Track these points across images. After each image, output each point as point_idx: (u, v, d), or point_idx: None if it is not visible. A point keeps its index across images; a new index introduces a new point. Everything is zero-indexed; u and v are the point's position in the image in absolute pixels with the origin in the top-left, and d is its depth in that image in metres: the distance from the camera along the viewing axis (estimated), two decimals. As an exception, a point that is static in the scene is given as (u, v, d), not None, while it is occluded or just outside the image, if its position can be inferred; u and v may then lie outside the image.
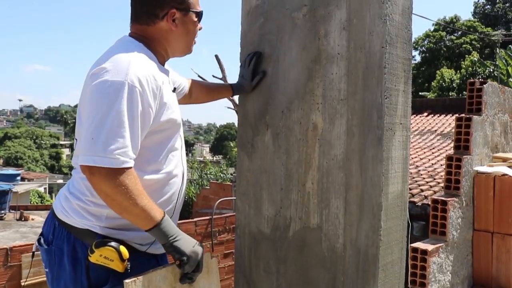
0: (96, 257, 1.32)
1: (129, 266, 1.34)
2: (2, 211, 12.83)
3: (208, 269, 1.53)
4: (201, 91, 1.95)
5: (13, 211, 13.39)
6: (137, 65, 1.33)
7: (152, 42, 1.50)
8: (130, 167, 1.28)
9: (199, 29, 1.58)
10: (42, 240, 1.49)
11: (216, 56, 8.19)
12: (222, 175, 14.33)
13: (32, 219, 12.80)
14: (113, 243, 1.34)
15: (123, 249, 1.34)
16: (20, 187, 18.04)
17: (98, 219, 1.39)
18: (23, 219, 12.62)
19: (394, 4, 1.56)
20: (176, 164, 1.52)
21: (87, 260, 1.35)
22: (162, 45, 1.52)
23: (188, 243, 1.37)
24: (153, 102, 1.35)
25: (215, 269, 1.58)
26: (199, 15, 1.55)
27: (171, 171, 1.50)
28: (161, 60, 1.53)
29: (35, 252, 1.54)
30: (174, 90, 1.59)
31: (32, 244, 3.75)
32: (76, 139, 1.46)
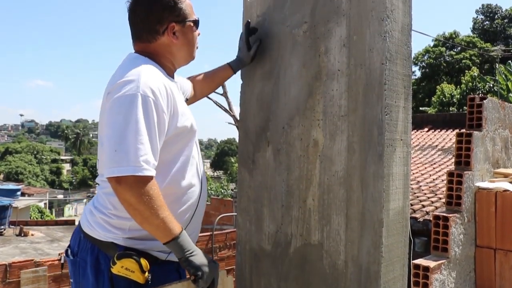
0: (118, 268, 1.36)
1: (149, 277, 1.38)
2: (2, 227, 12.78)
3: (224, 286, 1.52)
4: (203, 85, 1.97)
5: (12, 226, 13.33)
6: (147, 76, 1.39)
7: (157, 57, 1.54)
8: (153, 176, 1.32)
9: (198, 35, 1.63)
10: (69, 252, 1.55)
11: (217, 72, 8.22)
12: (223, 190, 14.29)
13: (32, 235, 12.73)
14: (134, 255, 1.38)
15: (143, 261, 1.37)
16: (20, 202, 17.98)
17: (121, 231, 1.44)
18: (22, 235, 12.55)
19: (393, 21, 1.58)
20: (193, 174, 1.55)
21: (110, 272, 1.38)
22: (167, 58, 1.57)
23: (203, 259, 1.40)
24: (167, 109, 1.40)
25: (230, 287, 1.56)
26: (196, 23, 1.59)
27: (189, 181, 1.53)
28: (169, 72, 1.57)
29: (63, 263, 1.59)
30: (186, 100, 1.65)
31: (32, 260, 3.73)
32: (98, 160, 1.52)
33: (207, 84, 1.98)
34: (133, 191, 1.28)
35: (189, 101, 1.87)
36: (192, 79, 1.94)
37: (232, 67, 1.93)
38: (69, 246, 1.57)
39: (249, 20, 1.90)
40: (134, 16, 1.53)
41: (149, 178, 1.31)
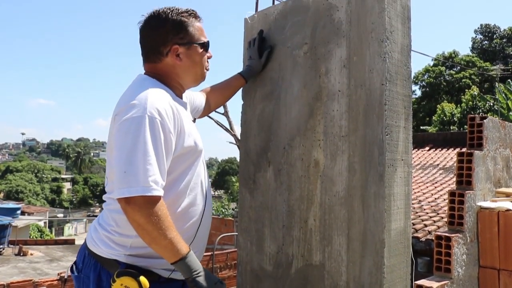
0: (117, 286, 1.36)
1: None
2: (1, 246, 12.69)
3: None
4: (217, 96, 2.00)
5: (12, 245, 13.24)
6: (154, 97, 1.42)
7: (165, 78, 1.57)
8: (161, 196, 1.35)
9: (209, 57, 1.65)
10: (74, 268, 1.57)
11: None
12: (223, 210, 14.22)
13: (31, 254, 12.63)
14: (133, 273, 1.37)
15: (142, 279, 1.37)
16: (20, 221, 17.89)
17: (123, 248, 1.45)
18: (21, 254, 12.46)
19: (393, 42, 1.60)
20: (197, 193, 1.56)
21: None
22: (174, 79, 1.59)
23: (210, 280, 1.40)
24: (174, 129, 1.43)
25: None
26: (204, 45, 1.60)
27: (191, 200, 1.53)
28: (177, 93, 1.60)
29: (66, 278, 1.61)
30: (194, 120, 1.68)
31: (30, 280, 3.70)
32: (106, 177, 1.56)
33: (221, 95, 2.01)
34: (142, 211, 1.31)
35: (203, 112, 1.92)
36: (206, 91, 1.96)
37: (243, 76, 1.96)
38: (75, 262, 1.59)
39: (262, 29, 1.93)
40: (142, 37, 1.58)
41: (158, 199, 1.34)
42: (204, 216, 1.59)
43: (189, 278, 1.37)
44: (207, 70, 1.67)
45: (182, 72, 1.58)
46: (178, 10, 1.56)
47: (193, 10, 1.59)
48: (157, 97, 1.42)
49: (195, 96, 1.86)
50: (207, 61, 1.65)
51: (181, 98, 1.62)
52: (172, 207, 1.46)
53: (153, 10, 1.57)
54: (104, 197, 1.56)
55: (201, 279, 1.37)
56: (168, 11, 1.55)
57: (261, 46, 1.93)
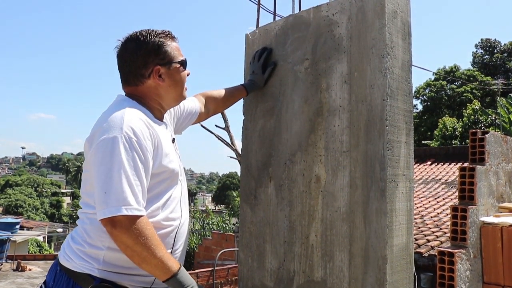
0: None
1: None
2: None
3: None
4: (218, 103, 1.99)
5: (10, 261, 13.16)
6: (130, 117, 1.42)
7: (145, 100, 1.57)
8: (144, 215, 1.34)
9: (187, 75, 1.65)
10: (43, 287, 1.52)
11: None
12: (224, 225, 14.15)
13: (30, 270, 12.55)
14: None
15: None
16: (18, 236, 17.81)
17: (96, 262, 1.42)
18: (20, 269, 12.38)
19: (394, 58, 1.60)
20: (169, 213, 1.53)
21: None
22: (155, 101, 1.58)
23: None
24: (151, 147, 1.43)
25: None
26: (183, 63, 1.61)
27: (166, 218, 1.51)
28: (157, 114, 1.59)
29: None
30: (173, 140, 1.64)
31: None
32: (80, 196, 1.55)
33: (222, 103, 2.01)
34: (129, 233, 1.29)
35: (200, 117, 1.91)
36: (206, 95, 1.96)
37: (246, 89, 1.97)
38: (44, 282, 1.54)
39: (271, 48, 1.94)
40: (121, 61, 1.58)
41: (142, 218, 1.32)
42: (179, 234, 1.56)
43: None
44: (186, 89, 1.66)
45: (164, 92, 1.58)
46: (155, 32, 1.57)
47: (168, 31, 1.61)
48: (133, 117, 1.42)
49: (185, 103, 1.84)
50: (185, 81, 1.65)
51: (161, 119, 1.61)
52: None
53: (129, 34, 1.58)
54: (79, 212, 1.55)
55: None
56: (146, 33, 1.55)
57: (265, 62, 1.94)
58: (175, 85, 1.59)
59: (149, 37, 1.54)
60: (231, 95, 2.00)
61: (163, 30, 1.59)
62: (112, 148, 1.35)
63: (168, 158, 1.50)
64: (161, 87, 1.56)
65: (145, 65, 1.53)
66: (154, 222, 1.46)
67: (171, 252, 1.53)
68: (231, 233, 10.05)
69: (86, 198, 1.49)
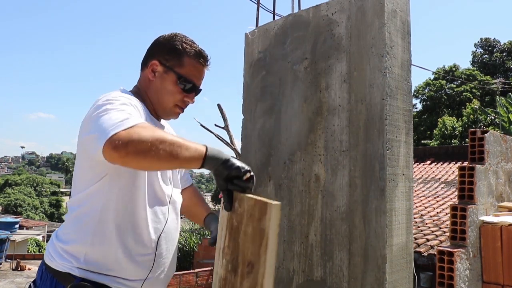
0: None
1: None
2: (-1, 261, 12.62)
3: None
4: (187, 205, 1.76)
5: (9, 260, 13.16)
6: (126, 95, 1.39)
7: (142, 92, 1.54)
8: (138, 123, 1.21)
9: (188, 102, 1.53)
10: (32, 285, 1.52)
11: (219, 106, 8.30)
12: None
13: (29, 269, 12.55)
14: (86, 286, 1.34)
15: None
16: (18, 236, 17.82)
17: (77, 261, 1.40)
18: (19, 269, 12.38)
19: (393, 57, 1.60)
20: (158, 211, 1.48)
21: None
22: (147, 95, 1.54)
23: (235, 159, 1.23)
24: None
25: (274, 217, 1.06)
26: (186, 83, 1.50)
27: (152, 215, 1.46)
28: (153, 113, 1.55)
29: None
30: None
31: (28, 296, 3.65)
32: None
33: (185, 207, 1.74)
34: (140, 139, 1.15)
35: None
36: (189, 192, 1.78)
37: (204, 222, 1.70)
38: (33, 281, 1.53)
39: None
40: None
41: (137, 125, 1.19)
42: (162, 238, 1.49)
43: (221, 165, 1.19)
44: (181, 112, 1.55)
45: (152, 90, 1.52)
46: (190, 41, 1.51)
47: (202, 50, 1.51)
48: (127, 96, 1.39)
49: (184, 175, 1.75)
50: (182, 103, 1.52)
51: (157, 118, 1.56)
52: (126, 217, 1.40)
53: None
54: (68, 202, 1.51)
55: (234, 160, 1.20)
56: (181, 37, 1.52)
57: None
58: (162, 93, 1.50)
59: (178, 39, 1.51)
60: (193, 210, 1.79)
61: (201, 49, 1.52)
62: (105, 102, 1.28)
63: None
64: (150, 83, 1.51)
65: (151, 54, 1.53)
66: (132, 220, 1.41)
67: (155, 255, 1.47)
68: (230, 233, 10.02)
69: (73, 189, 1.47)
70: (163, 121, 1.62)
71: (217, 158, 1.20)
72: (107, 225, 1.39)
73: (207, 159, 1.19)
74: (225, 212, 1.14)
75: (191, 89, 1.52)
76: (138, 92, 1.54)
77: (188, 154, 1.18)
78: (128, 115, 1.22)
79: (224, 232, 1.12)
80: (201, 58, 1.50)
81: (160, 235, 1.50)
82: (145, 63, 1.54)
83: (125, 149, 1.15)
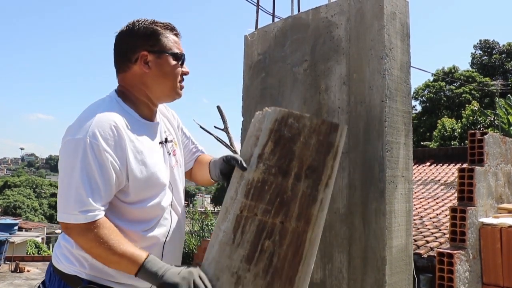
0: None
1: None
2: (-2, 262, 12.60)
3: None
4: (195, 171, 1.79)
5: (8, 262, 13.14)
6: (101, 119, 1.36)
7: (132, 91, 1.51)
8: (99, 218, 1.30)
9: (185, 73, 1.56)
10: (41, 287, 1.51)
11: (218, 107, 8.30)
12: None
13: (28, 271, 12.53)
14: None
15: None
16: (17, 237, 17.80)
17: (82, 266, 1.40)
18: (18, 271, 12.36)
19: (392, 59, 1.60)
20: (161, 217, 1.49)
21: None
22: (142, 91, 1.51)
23: (174, 273, 1.25)
24: (119, 153, 1.36)
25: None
26: (177, 56, 1.52)
27: (151, 227, 1.46)
28: (146, 111, 1.52)
29: None
30: (166, 140, 1.56)
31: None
32: None
33: (198, 173, 1.78)
34: (83, 237, 1.30)
35: (186, 175, 1.76)
36: (201, 160, 1.76)
37: (210, 168, 1.67)
38: (43, 282, 1.53)
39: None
40: (114, 45, 1.54)
41: (96, 222, 1.29)
42: (167, 243, 1.51)
43: (157, 283, 1.24)
44: (183, 86, 1.57)
45: (152, 82, 1.50)
46: (153, 20, 1.52)
47: (169, 23, 1.56)
48: (104, 119, 1.36)
49: (188, 143, 1.75)
50: (181, 77, 1.55)
51: (151, 117, 1.53)
52: (132, 232, 1.42)
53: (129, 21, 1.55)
54: None
55: (167, 277, 1.24)
56: (143, 20, 1.51)
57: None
58: (164, 77, 1.50)
59: (145, 23, 1.50)
60: (199, 179, 1.78)
61: (163, 22, 1.55)
62: (74, 150, 1.32)
63: (145, 166, 1.41)
64: (147, 75, 1.48)
65: (132, 48, 1.48)
66: (135, 232, 1.42)
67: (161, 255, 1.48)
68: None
69: None
70: (164, 113, 1.62)
71: (153, 272, 1.27)
72: None
73: (141, 273, 1.28)
74: (267, 125, 1.23)
75: (183, 59, 1.56)
76: (124, 94, 1.50)
77: (120, 268, 1.32)
78: (90, 197, 1.30)
79: (264, 140, 1.21)
80: (174, 30, 1.54)
81: (165, 241, 1.51)
82: (127, 61, 1.49)
83: (76, 241, 1.34)
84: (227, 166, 1.43)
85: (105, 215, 1.34)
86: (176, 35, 1.55)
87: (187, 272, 1.26)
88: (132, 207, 1.42)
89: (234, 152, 7.95)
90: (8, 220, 20.43)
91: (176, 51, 1.52)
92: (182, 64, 1.55)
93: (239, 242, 1.15)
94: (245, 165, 1.26)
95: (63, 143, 1.38)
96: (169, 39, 1.52)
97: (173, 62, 1.52)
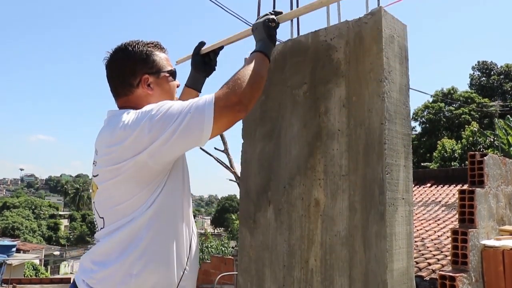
0: None
1: None
2: (-5, 285, 12.43)
3: None
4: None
5: (5, 285, 12.98)
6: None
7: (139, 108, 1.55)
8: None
9: (177, 86, 1.67)
10: None
11: (219, 128, 8.31)
12: (223, 248, 14.01)
13: (26, 294, 12.36)
14: None
15: None
16: (14, 260, 17.61)
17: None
18: (16, 294, 12.19)
19: (391, 82, 1.62)
20: (189, 221, 1.61)
21: None
22: None
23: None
24: None
25: None
26: (172, 73, 1.62)
27: (186, 228, 1.56)
28: None
29: None
30: None
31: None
32: (102, 218, 1.48)
33: None
34: (242, 91, 1.41)
35: None
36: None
37: (192, 88, 1.96)
38: None
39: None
40: (110, 71, 1.58)
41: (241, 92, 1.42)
42: (192, 246, 1.57)
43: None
44: (177, 99, 1.66)
45: (156, 101, 1.52)
46: (144, 42, 1.59)
47: (157, 42, 1.63)
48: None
49: None
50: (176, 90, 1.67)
51: None
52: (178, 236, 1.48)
53: (118, 45, 1.59)
54: (102, 232, 1.47)
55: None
56: (134, 43, 1.57)
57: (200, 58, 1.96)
58: (165, 95, 1.58)
59: (138, 46, 1.56)
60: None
61: (151, 41, 1.62)
62: (153, 109, 1.39)
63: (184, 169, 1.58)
64: (151, 96, 1.55)
65: (133, 74, 1.54)
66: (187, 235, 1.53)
67: (187, 258, 1.51)
68: (230, 257, 9.94)
69: (109, 211, 1.46)
70: None
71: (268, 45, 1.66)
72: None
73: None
74: None
75: (175, 74, 1.66)
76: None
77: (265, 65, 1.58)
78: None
79: None
80: (161, 48, 1.64)
81: (190, 244, 1.55)
82: (129, 86, 1.54)
83: (250, 89, 1.44)
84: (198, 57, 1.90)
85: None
86: (164, 51, 1.65)
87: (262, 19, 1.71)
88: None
89: (235, 174, 7.94)
90: (6, 241, 20.24)
91: (170, 68, 1.63)
92: (175, 78, 1.66)
93: None
94: None
95: (125, 131, 1.39)
96: (161, 57, 1.61)
97: (170, 79, 1.62)
